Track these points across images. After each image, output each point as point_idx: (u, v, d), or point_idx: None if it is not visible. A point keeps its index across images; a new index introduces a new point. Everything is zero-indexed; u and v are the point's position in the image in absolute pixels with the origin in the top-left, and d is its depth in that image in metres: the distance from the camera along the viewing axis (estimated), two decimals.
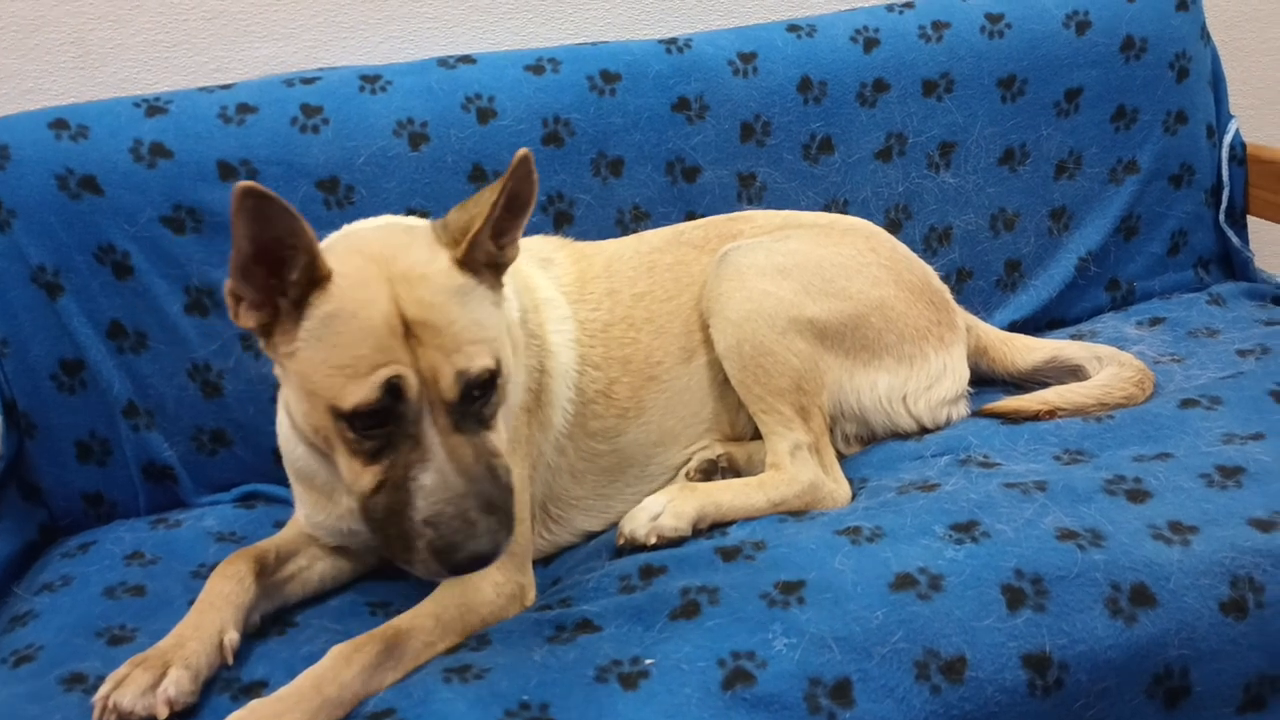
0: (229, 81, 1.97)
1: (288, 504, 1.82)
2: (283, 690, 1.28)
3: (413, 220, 1.55)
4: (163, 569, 1.64)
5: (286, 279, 1.27)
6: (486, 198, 1.33)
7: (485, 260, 1.36)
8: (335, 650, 1.33)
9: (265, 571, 1.51)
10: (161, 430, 1.87)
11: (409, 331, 1.27)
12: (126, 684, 1.30)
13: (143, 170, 1.83)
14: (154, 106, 1.87)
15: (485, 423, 1.32)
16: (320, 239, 1.82)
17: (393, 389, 1.25)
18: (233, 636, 1.40)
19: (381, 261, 1.31)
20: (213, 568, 1.52)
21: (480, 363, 1.29)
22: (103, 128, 1.84)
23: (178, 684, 1.31)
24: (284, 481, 1.81)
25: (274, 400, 1.88)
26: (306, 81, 1.95)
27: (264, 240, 1.25)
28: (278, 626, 1.50)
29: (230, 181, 1.85)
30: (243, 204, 1.20)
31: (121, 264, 1.83)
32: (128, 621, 1.50)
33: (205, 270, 1.85)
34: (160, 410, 1.87)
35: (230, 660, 1.38)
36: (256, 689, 1.36)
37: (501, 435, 1.36)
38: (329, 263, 1.28)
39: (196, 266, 1.85)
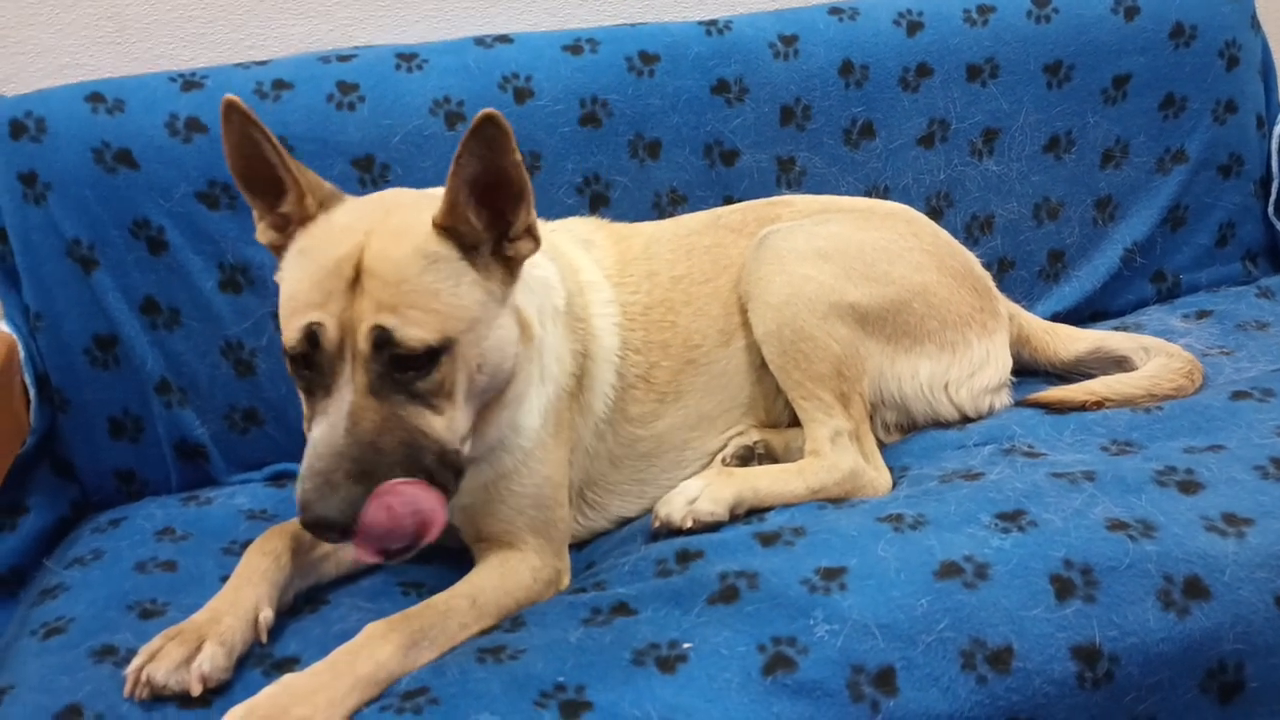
0: (265, 58, 1.95)
1: None
2: (317, 665, 1.26)
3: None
4: (194, 545, 1.63)
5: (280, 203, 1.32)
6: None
7: (474, 241, 1.31)
8: (370, 628, 1.31)
9: (300, 549, 1.49)
10: (194, 408, 1.86)
11: (357, 280, 1.23)
12: (160, 657, 1.28)
13: (178, 145, 1.81)
14: (190, 81, 1.86)
15: (418, 397, 1.25)
16: None
17: (311, 335, 1.23)
18: (268, 614, 1.38)
19: (378, 213, 1.31)
20: (244, 545, 1.50)
21: (414, 331, 1.23)
22: (139, 102, 1.82)
23: (212, 660, 1.29)
24: None
25: None
26: (343, 59, 1.93)
27: (249, 160, 1.30)
28: (310, 604, 1.48)
29: None
30: (227, 117, 1.26)
31: (156, 239, 1.82)
32: (159, 596, 1.49)
33: (239, 247, 1.84)
34: (193, 388, 1.86)
35: (264, 638, 1.37)
36: (289, 665, 1.34)
37: (446, 421, 1.27)
38: (335, 204, 1.32)
39: (230, 243, 1.84)
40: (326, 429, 1.20)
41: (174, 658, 1.28)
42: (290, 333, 1.25)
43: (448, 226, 1.29)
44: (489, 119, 1.24)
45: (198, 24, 2.05)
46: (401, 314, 1.23)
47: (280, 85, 1.88)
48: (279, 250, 1.37)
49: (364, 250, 1.25)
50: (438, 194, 1.32)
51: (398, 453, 1.22)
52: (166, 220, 1.81)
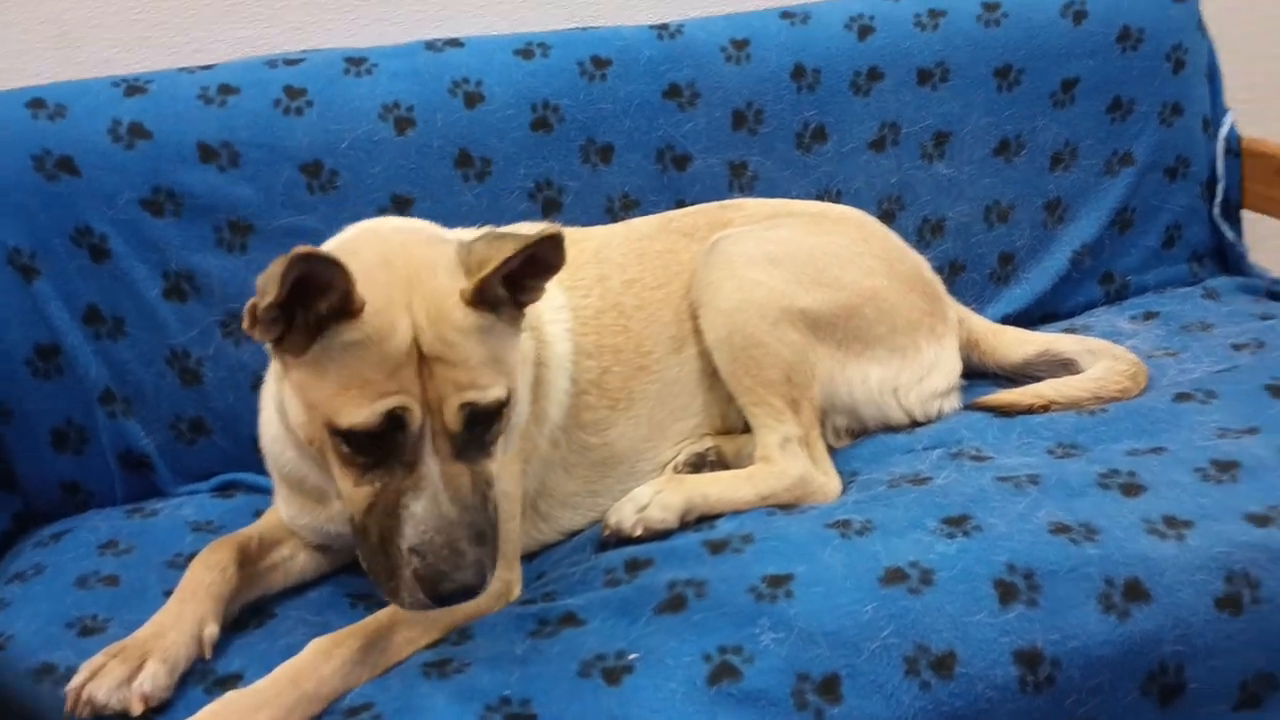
0: (210, 62, 1.93)
1: (268, 493, 1.78)
2: (259, 683, 1.25)
3: (438, 231, 1.46)
4: (138, 558, 1.61)
5: (313, 303, 1.22)
6: (508, 247, 1.26)
7: (499, 302, 1.31)
8: (315, 644, 1.30)
9: (247, 561, 1.48)
10: (139, 418, 1.83)
11: (423, 362, 1.23)
12: (102, 675, 1.27)
13: (121, 151, 1.79)
14: (133, 86, 1.83)
15: (486, 449, 1.29)
16: (307, 225, 1.84)
17: (395, 419, 1.22)
18: (212, 630, 1.37)
19: (406, 285, 1.25)
20: (189, 558, 1.49)
21: (491, 395, 1.26)
22: (81, 107, 1.79)
23: (154, 678, 1.27)
24: (264, 471, 1.78)
25: (255, 389, 1.85)
26: (290, 63, 1.91)
27: (302, 287, 1.20)
28: (256, 618, 1.47)
29: (211, 164, 1.82)
30: (293, 266, 1.15)
31: (99, 247, 1.79)
32: (100, 612, 1.47)
33: (185, 254, 1.82)
34: (138, 397, 1.83)
35: (208, 654, 1.35)
36: (232, 681, 1.33)
37: (498, 461, 1.32)
38: (357, 283, 1.22)
39: (176, 250, 1.81)
40: (429, 503, 1.22)
41: (115, 676, 1.26)
42: (366, 416, 1.21)
43: (474, 299, 1.28)
44: (553, 240, 1.26)
45: (142, 28, 2.02)
46: (478, 386, 1.25)
47: (226, 90, 1.85)
48: (279, 339, 1.27)
49: (419, 338, 1.23)
50: (438, 239, 1.34)
51: (483, 505, 1.26)
52: (109, 228, 1.78)
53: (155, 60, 2.02)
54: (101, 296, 1.80)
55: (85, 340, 1.79)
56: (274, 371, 1.41)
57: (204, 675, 1.34)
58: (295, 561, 1.57)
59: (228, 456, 1.88)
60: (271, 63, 1.91)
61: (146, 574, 1.56)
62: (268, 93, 1.87)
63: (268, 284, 1.19)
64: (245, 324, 1.26)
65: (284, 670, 1.27)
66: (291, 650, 1.31)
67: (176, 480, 1.86)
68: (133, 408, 1.83)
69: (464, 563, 1.20)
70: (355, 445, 1.23)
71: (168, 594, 1.46)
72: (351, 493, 1.26)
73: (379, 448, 1.23)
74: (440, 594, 1.20)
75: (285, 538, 1.57)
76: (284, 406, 1.35)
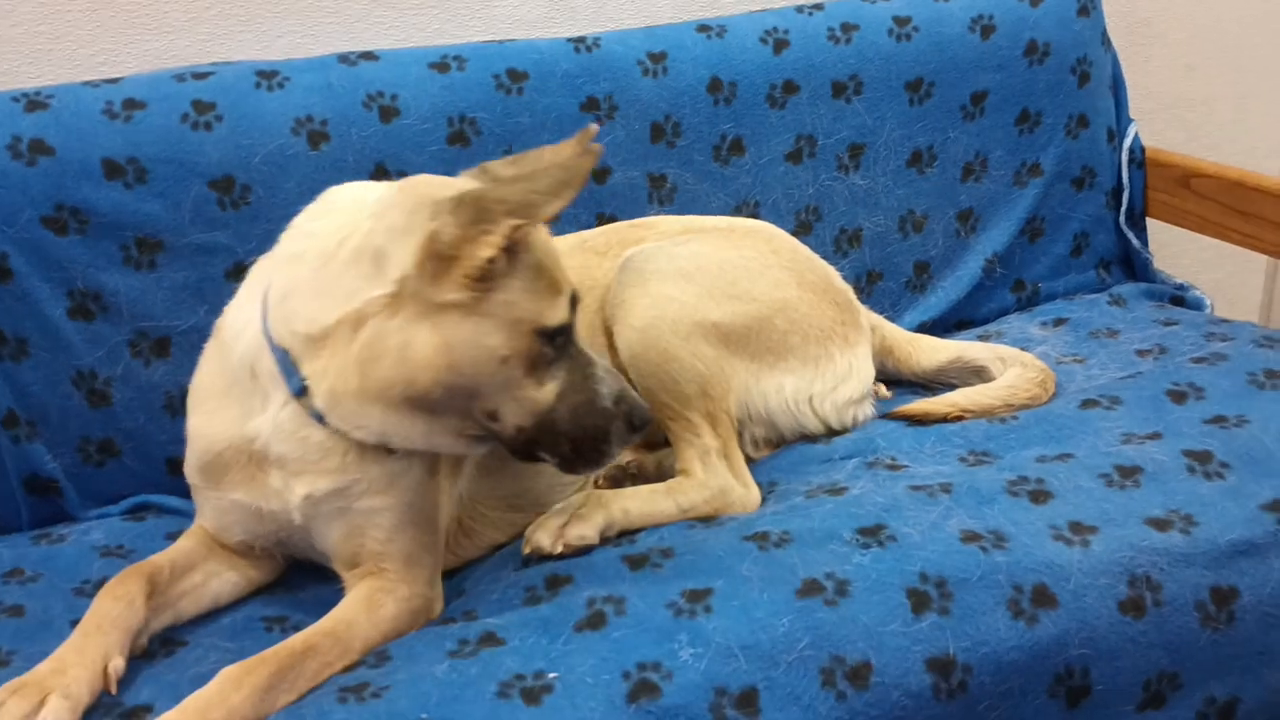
0: (116, 76, 1.88)
1: (180, 514, 1.76)
2: (167, 716, 1.22)
3: None
4: (44, 586, 1.56)
5: None
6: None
7: None
8: (224, 673, 1.27)
9: (157, 590, 1.44)
10: (44, 441, 1.78)
11: None
12: (1, 714, 1.23)
13: (22, 168, 1.73)
14: (34, 101, 1.78)
15: None
16: (219, 241, 1.81)
17: (572, 302, 1.41)
18: (118, 663, 1.33)
19: None
20: (97, 585, 1.45)
21: None
22: None
23: (56, 715, 1.24)
24: (177, 492, 1.75)
25: (166, 409, 1.83)
26: (199, 76, 1.87)
27: None
28: (165, 646, 1.43)
29: (116, 180, 1.77)
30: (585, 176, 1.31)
31: (0, 267, 1.74)
32: (4, 644, 1.43)
33: (90, 273, 1.77)
34: (43, 420, 1.78)
35: (114, 689, 1.32)
36: (140, 713, 1.30)
37: None
38: None
39: (81, 269, 1.77)
40: (601, 366, 1.44)
41: (14, 714, 1.22)
42: (564, 309, 1.40)
43: None
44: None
45: (44, 39, 1.96)
46: None
47: (132, 104, 1.81)
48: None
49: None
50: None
51: None
52: (10, 247, 1.73)
53: (58, 73, 1.97)
54: (4, 317, 1.74)
55: None
56: (383, 333, 1.34)
57: (111, 708, 1.30)
58: (208, 587, 1.54)
59: (138, 478, 1.83)
60: (180, 76, 1.87)
61: (54, 603, 1.52)
62: (176, 107, 1.83)
63: (555, 192, 1.29)
64: (492, 254, 1.30)
65: (191, 702, 1.24)
66: (202, 679, 1.28)
67: (85, 504, 1.81)
68: (38, 430, 1.78)
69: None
70: (551, 342, 1.38)
71: (74, 624, 1.41)
72: (537, 395, 1.38)
73: (563, 337, 1.39)
74: (645, 418, 1.44)
75: (199, 562, 1.53)
76: (422, 357, 1.32)
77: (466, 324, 1.33)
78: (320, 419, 1.40)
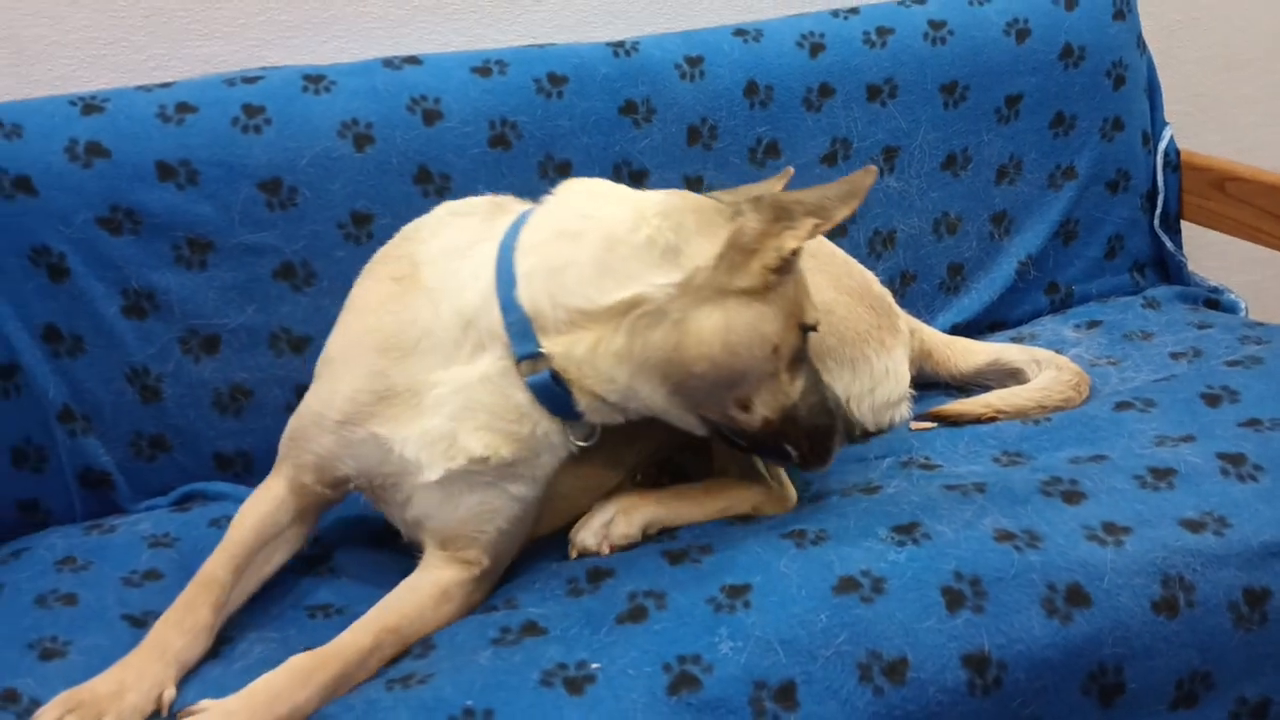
0: (168, 80, 1.93)
1: (228, 499, 1.80)
2: (234, 700, 1.27)
3: None
4: (94, 575, 1.60)
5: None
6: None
7: None
8: (294, 664, 1.31)
9: (219, 611, 1.45)
10: (99, 436, 1.83)
11: None
12: None
13: (78, 170, 1.78)
14: (90, 105, 1.83)
15: None
16: (267, 242, 1.85)
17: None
18: (171, 693, 1.35)
19: None
20: (145, 574, 1.48)
21: None
22: (36, 127, 1.79)
23: None
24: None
25: (215, 405, 1.87)
26: (248, 81, 1.92)
27: None
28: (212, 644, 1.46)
29: (169, 182, 1.82)
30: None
31: (57, 266, 1.79)
32: (59, 633, 1.47)
33: (143, 272, 1.82)
34: (97, 415, 1.83)
35: (164, 715, 1.34)
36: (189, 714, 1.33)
37: None
38: None
39: (134, 268, 1.81)
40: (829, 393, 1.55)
41: None
42: (815, 311, 1.52)
43: None
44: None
45: (99, 45, 2.02)
46: None
47: (184, 108, 1.86)
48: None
49: None
50: None
51: None
52: (67, 247, 1.78)
53: (112, 78, 2.02)
54: (60, 315, 1.80)
55: (44, 359, 1.79)
56: (664, 310, 1.39)
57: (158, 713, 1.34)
58: (259, 574, 1.53)
59: (187, 472, 1.88)
60: (230, 80, 1.92)
61: (104, 593, 1.55)
62: (226, 111, 1.87)
63: (844, 200, 1.40)
64: (797, 245, 1.41)
65: (262, 688, 1.27)
66: (249, 672, 1.32)
67: (136, 497, 1.86)
68: (92, 425, 1.83)
69: None
70: (805, 339, 1.49)
71: (125, 616, 1.46)
72: (790, 389, 1.47)
73: (807, 339, 1.50)
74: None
75: (253, 553, 1.52)
76: (701, 334, 1.39)
77: (749, 309, 1.41)
78: (539, 387, 1.41)
